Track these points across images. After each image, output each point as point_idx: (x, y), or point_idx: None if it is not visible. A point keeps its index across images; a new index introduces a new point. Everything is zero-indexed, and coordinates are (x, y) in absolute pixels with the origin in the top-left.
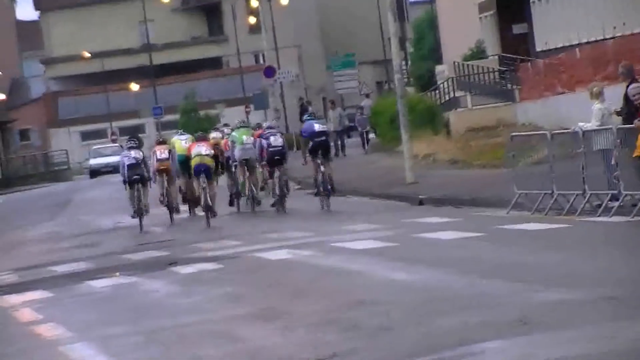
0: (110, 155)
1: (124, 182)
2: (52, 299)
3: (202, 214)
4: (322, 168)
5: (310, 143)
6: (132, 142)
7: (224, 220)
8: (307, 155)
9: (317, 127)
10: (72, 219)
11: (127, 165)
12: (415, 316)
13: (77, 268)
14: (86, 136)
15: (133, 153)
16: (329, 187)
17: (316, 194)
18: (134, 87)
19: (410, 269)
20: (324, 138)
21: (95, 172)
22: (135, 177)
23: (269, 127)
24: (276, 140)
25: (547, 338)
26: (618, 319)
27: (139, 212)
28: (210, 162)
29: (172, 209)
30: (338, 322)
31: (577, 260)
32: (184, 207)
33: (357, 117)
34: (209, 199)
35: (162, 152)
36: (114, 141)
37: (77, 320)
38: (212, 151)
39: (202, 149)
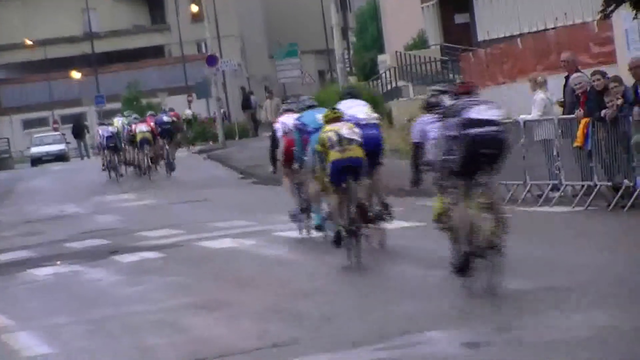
0: (51, 143)
1: (102, 148)
2: None
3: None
4: (167, 147)
5: (159, 129)
6: (106, 121)
7: (168, 207)
8: (158, 137)
9: (165, 118)
10: (14, 208)
11: (106, 137)
12: (360, 306)
13: (19, 256)
14: (28, 124)
15: (110, 128)
16: (172, 161)
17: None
18: (76, 75)
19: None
20: (168, 126)
21: (36, 161)
22: (111, 145)
23: (135, 118)
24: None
25: (492, 328)
26: (558, 309)
27: (114, 167)
28: (149, 136)
29: (117, 171)
30: (282, 312)
31: (517, 250)
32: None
33: None
34: (149, 162)
35: (106, 131)
36: (55, 129)
37: (20, 308)
38: (150, 128)
39: (144, 127)
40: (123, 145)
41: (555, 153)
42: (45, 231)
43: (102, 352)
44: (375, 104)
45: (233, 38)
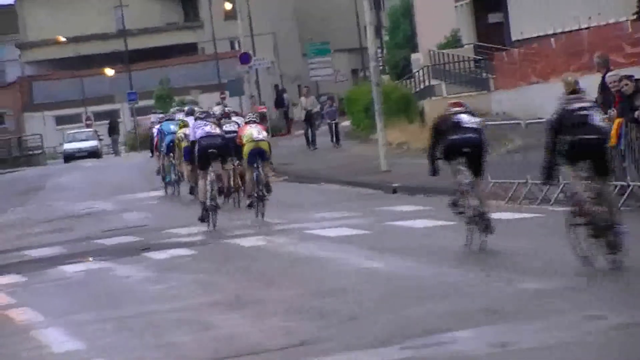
0: (84, 140)
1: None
2: (25, 284)
3: None
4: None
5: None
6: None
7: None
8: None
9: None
10: (45, 204)
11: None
12: (386, 305)
13: (50, 253)
14: (60, 121)
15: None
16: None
17: None
18: (109, 72)
19: (382, 257)
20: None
21: (69, 157)
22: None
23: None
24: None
25: (516, 327)
26: (586, 309)
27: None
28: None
29: None
30: (309, 310)
31: (548, 250)
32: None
33: (326, 109)
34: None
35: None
36: (88, 126)
37: (50, 305)
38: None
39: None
40: None
41: None
42: (75, 228)
43: (129, 349)
44: (408, 102)
45: (266, 36)
